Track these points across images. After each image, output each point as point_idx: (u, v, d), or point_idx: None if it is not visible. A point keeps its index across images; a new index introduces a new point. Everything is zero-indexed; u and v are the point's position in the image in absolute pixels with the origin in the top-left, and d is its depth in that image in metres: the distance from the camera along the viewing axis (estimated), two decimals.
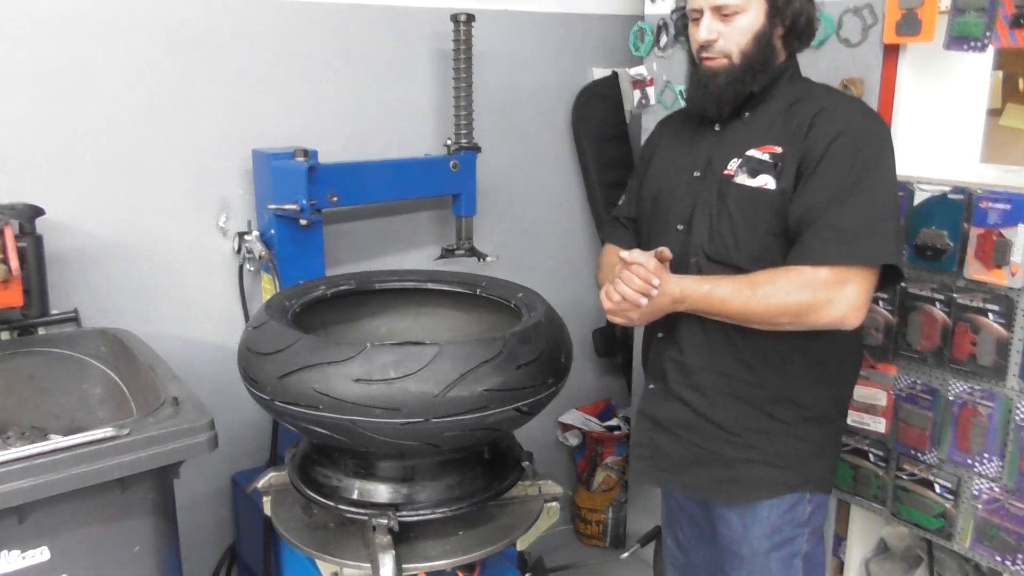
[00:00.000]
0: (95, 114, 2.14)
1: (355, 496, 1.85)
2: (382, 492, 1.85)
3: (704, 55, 1.75)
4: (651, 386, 1.93)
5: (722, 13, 1.70)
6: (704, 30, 1.72)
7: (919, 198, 2.02)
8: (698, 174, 1.81)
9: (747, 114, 1.79)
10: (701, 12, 1.73)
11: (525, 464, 2.03)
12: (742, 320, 1.68)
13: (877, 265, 1.63)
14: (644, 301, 1.66)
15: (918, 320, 2.05)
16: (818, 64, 2.20)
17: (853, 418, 2.22)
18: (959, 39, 1.95)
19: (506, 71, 2.85)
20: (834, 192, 1.62)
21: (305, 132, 2.45)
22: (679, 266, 1.79)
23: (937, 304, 2.01)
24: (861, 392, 2.19)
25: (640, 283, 1.65)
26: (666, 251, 1.70)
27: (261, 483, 2.02)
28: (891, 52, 2.11)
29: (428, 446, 1.72)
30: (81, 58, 2.10)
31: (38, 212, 1.97)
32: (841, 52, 2.19)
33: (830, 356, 1.80)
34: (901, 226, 1.68)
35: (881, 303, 2.12)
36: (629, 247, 1.84)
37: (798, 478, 1.82)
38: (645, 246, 1.86)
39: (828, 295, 1.60)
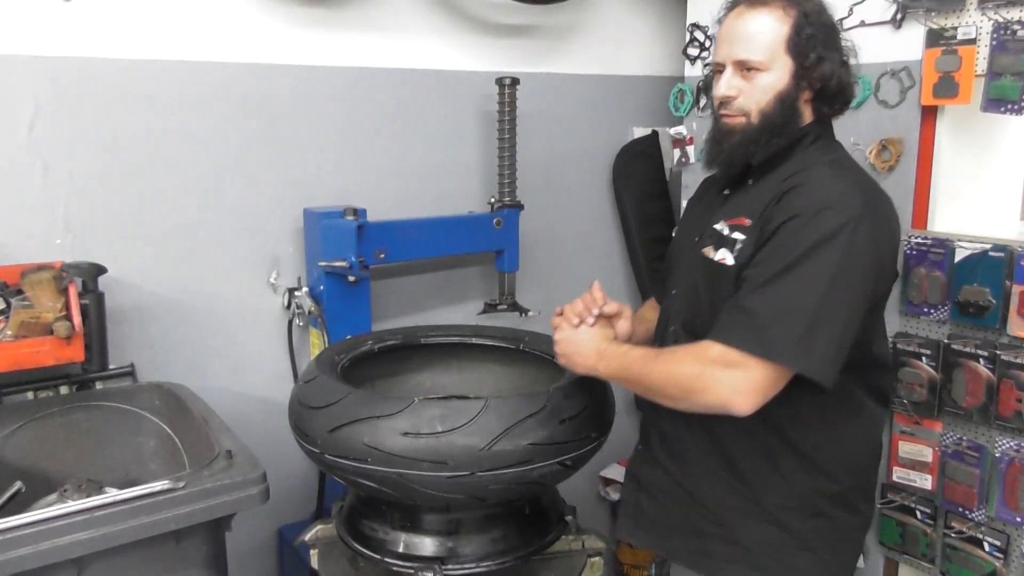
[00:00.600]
0: (157, 178, 2.23)
1: (401, 549, 1.87)
2: (428, 545, 1.87)
3: (722, 111, 1.65)
4: (640, 447, 1.89)
5: (745, 68, 1.59)
6: (724, 85, 1.62)
7: (960, 255, 2.03)
8: (697, 239, 1.72)
9: (750, 181, 1.68)
10: (724, 66, 1.63)
11: (568, 518, 2.04)
12: (645, 389, 1.62)
13: (773, 361, 1.47)
14: (575, 321, 1.77)
15: (962, 376, 2.05)
16: (858, 125, 2.24)
17: (899, 474, 2.21)
18: (996, 101, 1.97)
19: (549, 131, 2.92)
20: (763, 274, 1.51)
21: (354, 191, 2.53)
22: (662, 331, 1.79)
23: (981, 360, 2.01)
24: (907, 448, 2.19)
25: (581, 308, 1.78)
26: (613, 308, 1.79)
27: (308, 536, 2.05)
28: (929, 113, 2.15)
29: (473, 499, 1.74)
30: (145, 125, 2.20)
31: (101, 271, 2.05)
32: (880, 113, 2.22)
33: (818, 446, 1.64)
34: (827, 329, 1.47)
35: (924, 359, 2.12)
36: (659, 302, 1.90)
37: (780, 569, 1.67)
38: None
39: (714, 374, 1.49)
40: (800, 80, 1.59)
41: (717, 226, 1.65)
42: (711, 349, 1.51)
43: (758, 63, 1.58)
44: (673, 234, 2.06)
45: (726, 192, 1.73)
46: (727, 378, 1.48)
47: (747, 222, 1.60)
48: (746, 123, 1.61)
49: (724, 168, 1.70)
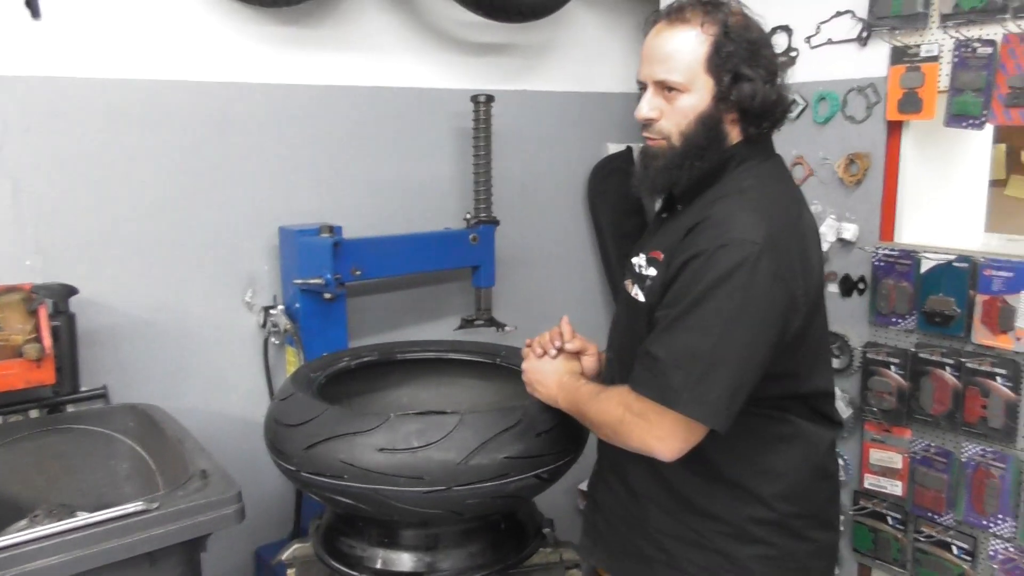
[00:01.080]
0: (129, 197, 2.23)
1: (379, 566, 1.87)
2: (406, 561, 1.87)
3: (644, 133, 1.58)
4: (596, 467, 1.85)
5: (666, 87, 1.51)
6: (645, 106, 1.55)
7: (926, 266, 2.07)
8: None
9: (679, 207, 1.61)
10: (645, 85, 1.56)
11: (546, 531, 2.04)
12: (589, 425, 1.64)
13: (672, 408, 1.44)
14: (539, 351, 1.77)
15: (930, 384, 2.09)
16: (826, 140, 2.28)
17: (870, 481, 2.25)
18: (958, 117, 2.02)
19: (524, 147, 2.95)
20: (667, 317, 1.47)
21: (330, 209, 2.54)
22: (607, 356, 1.78)
23: (947, 368, 2.05)
24: (877, 456, 2.22)
25: (546, 340, 1.76)
26: (575, 345, 1.75)
27: (286, 555, 2.04)
28: (895, 128, 2.19)
29: (450, 514, 1.74)
30: (117, 145, 2.19)
31: (72, 292, 2.03)
32: (847, 128, 2.26)
33: (751, 474, 1.58)
34: (722, 373, 1.42)
35: (893, 368, 2.16)
36: None
37: None
38: None
39: (632, 420, 1.49)
40: (721, 101, 1.51)
41: (635, 259, 1.62)
42: (628, 396, 1.51)
43: (677, 84, 1.50)
44: None
45: (664, 216, 1.68)
46: (641, 426, 1.48)
47: (660, 256, 1.55)
48: (668, 146, 1.54)
49: (648, 194, 1.64)
